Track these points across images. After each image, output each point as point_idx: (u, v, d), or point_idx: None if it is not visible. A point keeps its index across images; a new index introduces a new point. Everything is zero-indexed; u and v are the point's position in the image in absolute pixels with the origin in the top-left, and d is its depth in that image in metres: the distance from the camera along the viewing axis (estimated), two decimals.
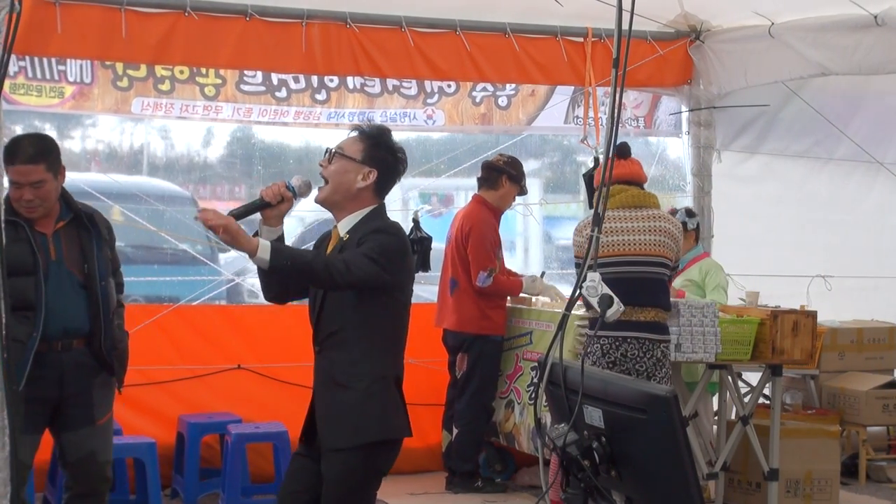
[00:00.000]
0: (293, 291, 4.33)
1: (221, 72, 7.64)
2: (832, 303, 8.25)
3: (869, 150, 8.51)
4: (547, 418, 5.04)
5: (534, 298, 7.49)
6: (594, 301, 3.41)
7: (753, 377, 7.47)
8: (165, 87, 7.62)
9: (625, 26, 3.44)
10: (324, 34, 7.07)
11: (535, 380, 7.00)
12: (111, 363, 4.91)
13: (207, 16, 6.84)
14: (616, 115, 3.50)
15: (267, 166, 9.43)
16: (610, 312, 3.42)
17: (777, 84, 7.93)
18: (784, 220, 8.64)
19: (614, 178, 6.10)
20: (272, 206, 4.13)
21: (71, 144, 9.43)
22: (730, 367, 6.70)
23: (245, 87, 7.79)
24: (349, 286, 4.04)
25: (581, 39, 7.71)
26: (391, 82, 7.97)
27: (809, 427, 7.33)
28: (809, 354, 6.65)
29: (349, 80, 7.89)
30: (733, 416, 7.09)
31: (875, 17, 6.72)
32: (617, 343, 5.86)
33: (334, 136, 7.20)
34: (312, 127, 8.24)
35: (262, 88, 7.82)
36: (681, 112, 8.47)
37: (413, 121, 8.23)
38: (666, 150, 9.32)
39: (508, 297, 7.46)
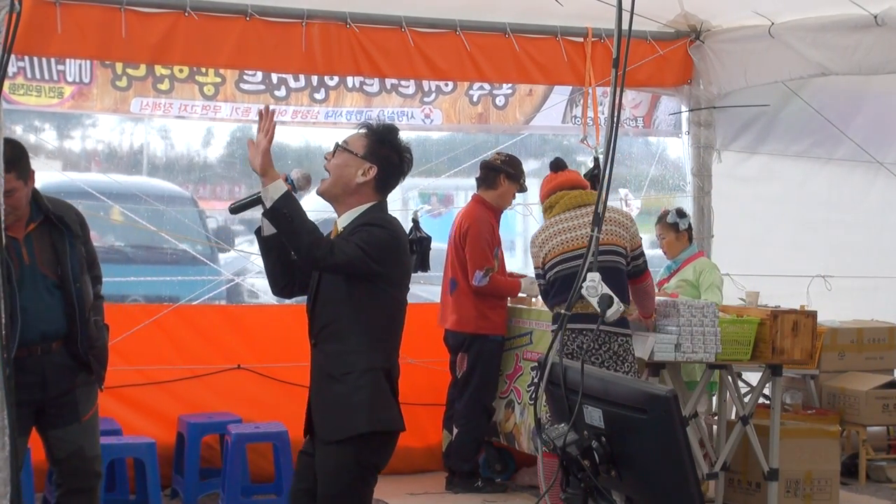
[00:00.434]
0: (298, 284, 4.32)
1: (221, 70, 7.64)
2: (832, 303, 8.25)
3: (869, 150, 8.50)
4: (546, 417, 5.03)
5: (533, 299, 7.48)
6: (594, 301, 3.41)
7: (753, 377, 7.47)
8: (164, 86, 7.62)
9: (625, 26, 3.44)
10: (324, 34, 7.06)
11: (535, 380, 7.00)
12: (89, 363, 4.89)
13: (207, 16, 6.83)
14: (616, 115, 3.51)
15: None
16: (610, 312, 3.42)
17: (777, 84, 7.92)
18: (784, 220, 8.63)
19: (555, 188, 6.21)
20: None
21: (71, 144, 9.41)
22: (730, 367, 6.70)
23: (245, 86, 7.79)
24: (330, 267, 4.06)
25: (581, 39, 7.71)
26: (389, 81, 7.98)
27: (809, 427, 7.32)
28: (809, 354, 6.64)
29: (348, 79, 7.89)
30: (733, 416, 7.09)
31: (875, 17, 6.72)
32: (573, 335, 5.80)
33: (332, 136, 7.23)
34: (310, 126, 8.25)
35: (262, 87, 7.82)
36: (681, 112, 8.46)
37: (411, 120, 8.23)
38: (666, 150, 9.33)
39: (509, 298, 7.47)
